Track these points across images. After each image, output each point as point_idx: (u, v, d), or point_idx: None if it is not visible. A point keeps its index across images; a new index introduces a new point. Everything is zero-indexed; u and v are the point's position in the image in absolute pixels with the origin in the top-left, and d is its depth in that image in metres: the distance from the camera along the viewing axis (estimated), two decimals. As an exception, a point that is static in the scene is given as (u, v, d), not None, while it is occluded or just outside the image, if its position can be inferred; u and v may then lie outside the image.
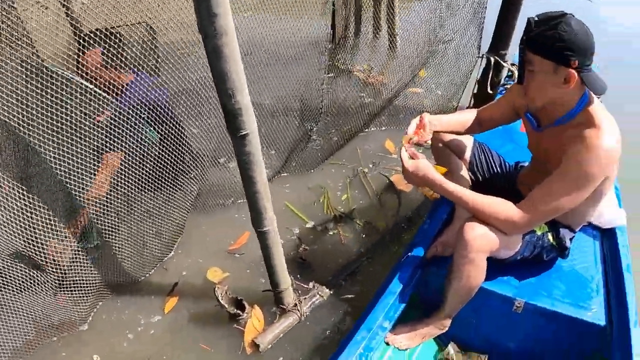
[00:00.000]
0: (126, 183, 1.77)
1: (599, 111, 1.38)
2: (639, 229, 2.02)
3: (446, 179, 1.52)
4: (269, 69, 2.34)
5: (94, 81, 1.82)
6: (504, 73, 2.95)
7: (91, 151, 1.64)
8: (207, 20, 1.11)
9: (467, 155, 1.92)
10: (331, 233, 2.40)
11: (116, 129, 1.64)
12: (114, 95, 1.77)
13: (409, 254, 1.76)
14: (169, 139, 1.85)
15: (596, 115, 1.37)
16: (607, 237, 1.92)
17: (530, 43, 1.35)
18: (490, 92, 2.88)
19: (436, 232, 1.85)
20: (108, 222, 1.83)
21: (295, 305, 2.02)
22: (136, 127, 1.68)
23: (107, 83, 1.76)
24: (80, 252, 1.78)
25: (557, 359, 1.72)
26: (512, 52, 2.96)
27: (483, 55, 2.91)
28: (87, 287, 1.88)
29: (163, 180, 1.92)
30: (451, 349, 1.72)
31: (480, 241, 1.46)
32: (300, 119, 2.57)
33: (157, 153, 1.85)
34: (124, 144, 1.67)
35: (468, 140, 1.94)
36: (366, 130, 3.09)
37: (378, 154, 2.96)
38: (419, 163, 1.54)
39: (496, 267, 1.63)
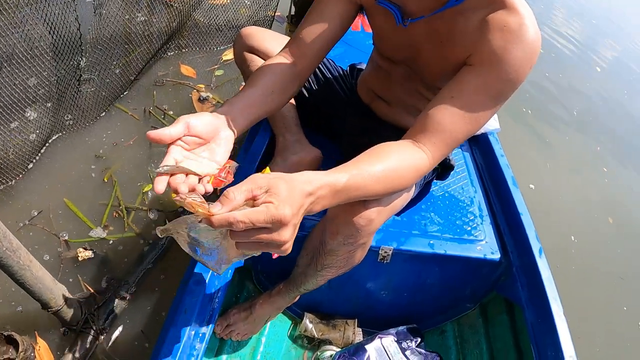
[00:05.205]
0: None
1: None
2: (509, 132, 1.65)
3: (321, 176, 0.70)
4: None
5: None
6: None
7: None
8: None
9: None
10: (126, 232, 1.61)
11: None
12: None
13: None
14: None
15: None
16: (479, 147, 1.51)
17: None
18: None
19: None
20: None
21: (87, 321, 1.36)
22: None
23: None
24: None
25: (443, 305, 1.34)
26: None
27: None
28: None
29: None
30: (308, 322, 1.31)
31: (379, 218, 0.94)
32: (54, 55, 1.66)
33: None
34: None
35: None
36: (163, 55, 2.29)
37: (176, 80, 2.19)
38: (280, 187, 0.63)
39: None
